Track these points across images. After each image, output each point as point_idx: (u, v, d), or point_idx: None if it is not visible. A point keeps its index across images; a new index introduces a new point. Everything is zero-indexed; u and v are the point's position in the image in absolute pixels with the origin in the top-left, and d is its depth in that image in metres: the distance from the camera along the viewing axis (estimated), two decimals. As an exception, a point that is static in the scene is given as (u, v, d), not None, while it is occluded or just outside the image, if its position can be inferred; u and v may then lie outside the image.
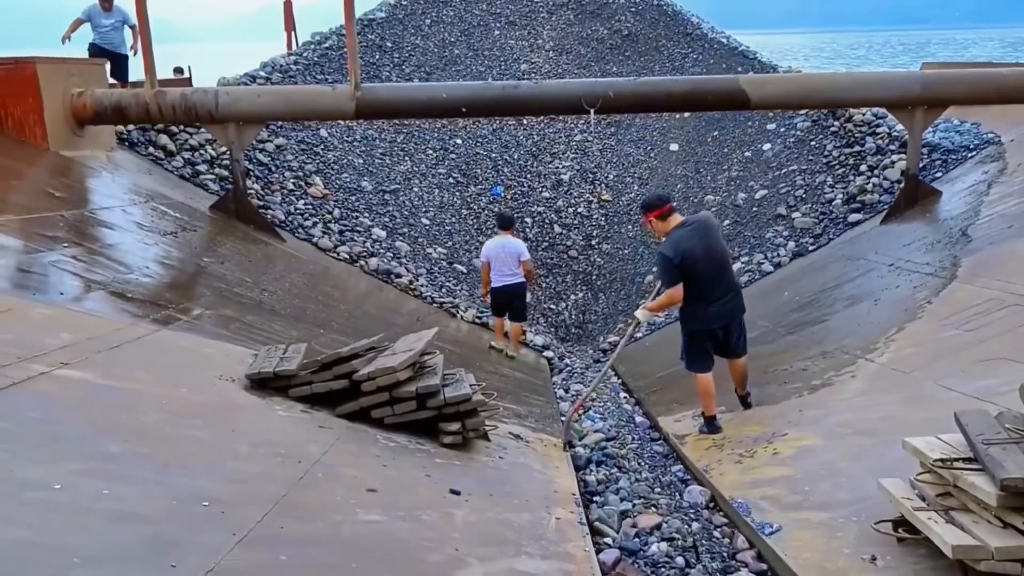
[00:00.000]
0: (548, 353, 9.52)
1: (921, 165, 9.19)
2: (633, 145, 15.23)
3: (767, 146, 12.95)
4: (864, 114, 11.19)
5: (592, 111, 8.39)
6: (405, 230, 11.76)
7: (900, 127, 9.45)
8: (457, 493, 3.55)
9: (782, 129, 13.01)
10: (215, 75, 12.48)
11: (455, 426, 4.26)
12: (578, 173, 15.21)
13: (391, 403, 4.19)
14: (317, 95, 8.80)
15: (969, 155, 9.37)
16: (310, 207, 10.19)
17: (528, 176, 15.11)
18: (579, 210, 14.48)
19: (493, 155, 14.86)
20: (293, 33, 17.33)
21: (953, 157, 9.54)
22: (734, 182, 12.96)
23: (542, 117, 15.27)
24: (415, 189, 13.23)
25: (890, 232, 8.40)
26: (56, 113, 7.89)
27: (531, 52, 18.57)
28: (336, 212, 10.50)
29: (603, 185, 14.72)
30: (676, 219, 5.28)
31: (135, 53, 9.43)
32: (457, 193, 13.93)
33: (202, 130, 9.61)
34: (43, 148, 7.74)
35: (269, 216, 9.09)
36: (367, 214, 11.25)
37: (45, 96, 7.74)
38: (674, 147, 14.48)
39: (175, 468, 2.93)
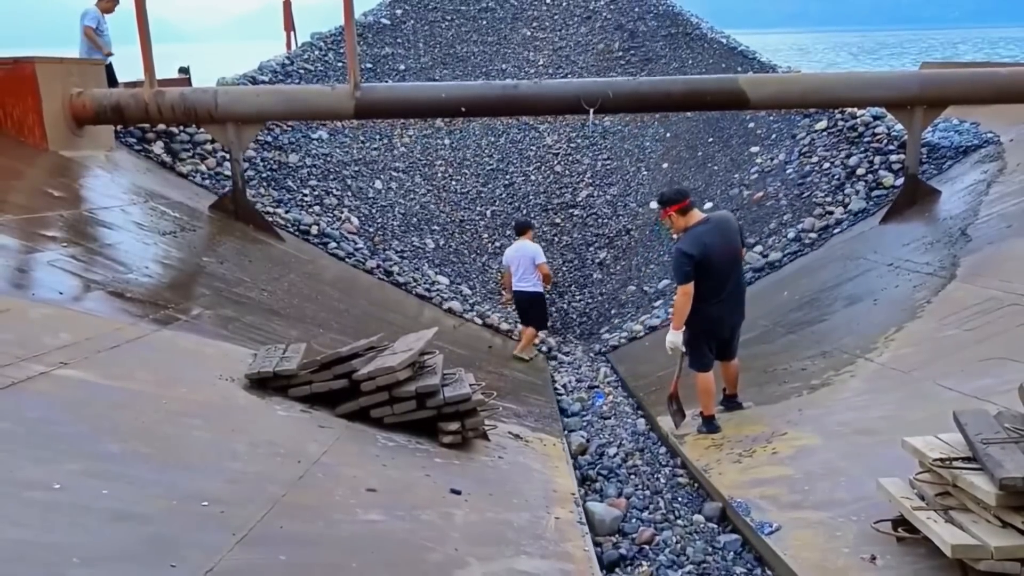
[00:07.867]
0: (560, 355, 9.52)
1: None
2: (623, 201, 14.95)
3: (746, 191, 12.71)
4: (863, 115, 11.17)
5: (592, 111, 8.39)
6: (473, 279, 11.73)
7: (899, 127, 9.45)
8: (457, 493, 3.56)
9: (774, 151, 12.77)
10: (215, 75, 12.43)
11: (455, 426, 4.27)
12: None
13: (390, 403, 4.20)
14: (316, 95, 8.80)
15: (967, 155, 9.37)
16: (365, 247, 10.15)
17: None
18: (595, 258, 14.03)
19: (510, 213, 14.62)
20: (292, 33, 17.31)
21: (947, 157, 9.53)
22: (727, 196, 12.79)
23: (550, 173, 15.22)
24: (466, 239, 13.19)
25: (889, 232, 8.39)
26: (55, 113, 7.89)
27: (531, 54, 18.54)
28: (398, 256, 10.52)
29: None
30: (696, 215, 5.20)
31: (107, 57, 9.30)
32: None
33: (201, 130, 9.61)
34: (42, 148, 7.73)
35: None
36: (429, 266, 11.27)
37: (44, 96, 7.73)
38: (653, 205, 14.35)
39: (174, 468, 2.93)
